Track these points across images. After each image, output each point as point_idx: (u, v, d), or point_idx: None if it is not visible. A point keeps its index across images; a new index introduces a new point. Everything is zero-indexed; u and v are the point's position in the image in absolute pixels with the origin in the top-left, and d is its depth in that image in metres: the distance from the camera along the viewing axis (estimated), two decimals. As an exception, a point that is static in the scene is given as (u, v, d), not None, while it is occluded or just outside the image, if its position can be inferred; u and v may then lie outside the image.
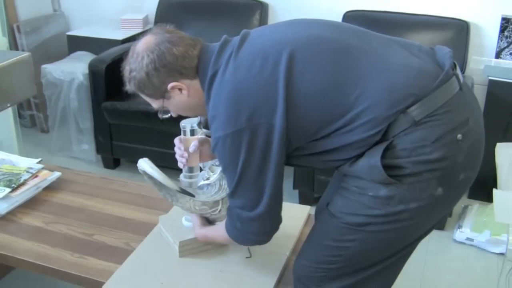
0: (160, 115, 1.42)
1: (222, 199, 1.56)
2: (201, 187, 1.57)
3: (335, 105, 1.22)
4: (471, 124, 1.26)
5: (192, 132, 1.60)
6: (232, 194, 1.34)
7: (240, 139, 1.23)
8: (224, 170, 1.32)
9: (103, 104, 2.95)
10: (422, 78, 1.24)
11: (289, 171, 2.84)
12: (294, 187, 2.83)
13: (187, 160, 1.55)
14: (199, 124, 1.57)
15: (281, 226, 1.77)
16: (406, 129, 1.21)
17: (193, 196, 1.46)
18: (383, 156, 1.21)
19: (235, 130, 1.23)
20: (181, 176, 1.69)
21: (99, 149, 3.13)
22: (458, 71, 1.29)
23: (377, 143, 1.23)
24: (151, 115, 2.87)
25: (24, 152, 3.25)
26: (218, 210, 1.57)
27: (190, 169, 1.65)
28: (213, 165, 1.64)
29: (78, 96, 3.07)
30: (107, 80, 2.96)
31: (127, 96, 3.02)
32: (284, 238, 1.74)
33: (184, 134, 1.61)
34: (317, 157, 1.32)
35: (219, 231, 1.50)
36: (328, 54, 1.25)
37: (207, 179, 1.57)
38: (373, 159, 1.21)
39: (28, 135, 3.58)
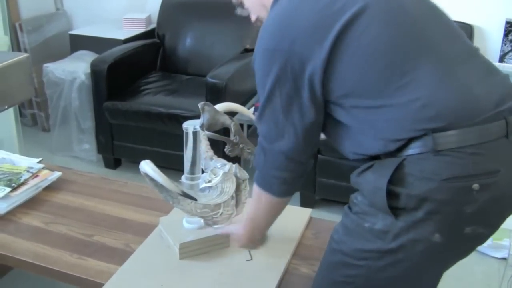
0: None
1: (224, 202, 1.55)
2: (202, 190, 1.56)
3: (374, 82, 1.14)
4: (500, 178, 1.09)
5: (195, 134, 1.59)
6: (259, 117, 1.27)
7: (276, 58, 1.18)
8: (257, 86, 1.27)
9: (105, 104, 2.95)
10: (471, 107, 1.10)
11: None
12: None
13: None
14: (201, 126, 1.56)
15: (282, 229, 1.78)
16: (422, 153, 1.09)
17: (195, 199, 1.45)
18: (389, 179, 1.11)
19: (275, 48, 1.19)
20: (183, 178, 1.67)
21: (100, 149, 3.13)
22: None
23: (387, 154, 1.15)
24: (153, 115, 2.87)
25: (24, 151, 3.24)
26: (220, 213, 1.56)
27: (192, 171, 1.64)
28: (215, 167, 1.62)
29: (79, 96, 3.06)
30: (109, 80, 2.95)
31: (128, 96, 3.03)
32: (285, 242, 1.73)
33: (187, 136, 1.60)
34: (338, 133, 1.26)
35: (251, 206, 1.44)
36: (398, 28, 1.15)
37: (209, 181, 1.56)
38: (381, 180, 1.12)
39: (29, 134, 3.57)
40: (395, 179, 1.11)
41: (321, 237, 1.81)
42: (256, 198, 1.39)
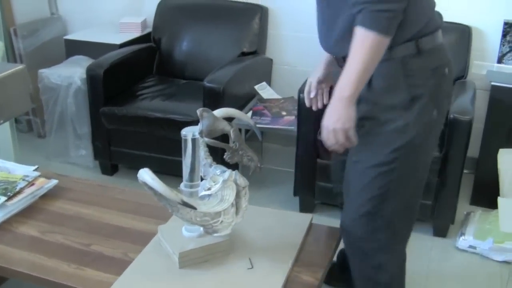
0: None
1: (224, 210, 1.52)
2: (202, 198, 1.54)
3: None
4: (451, 66, 1.56)
5: (194, 141, 1.57)
6: None
7: None
8: None
9: (101, 109, 2.91)
10: (438, 16, 1.57)
11: (289, 177, 2.82)
12: (295, 194, 2.79)
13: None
14: (200, 133, 1.53)
15: (283, 235, 1.76)
16: (412, 54, 1.48)
17: (195, 208, 1.42)
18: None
19: None
20: (182, 186, 1.65)
21: (97, 154, 3.09)
22: None
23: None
24: (150, 120, 2.84)
25: (20, 158, 3.20)
26: (220, 221, 1.53)
27: (191, 178, 1.62)
28: (214, 174, 1.60)
29: (75, 101, 3.03)
30: (105, 85, 2.92)
31: (125, 101, 3.00)
32: (286, 248, 1.70)
33: (185, 143, 1.58)
34: None
35: (348, 64, 1.43)
36: None
37: (209, 189, 1.53)
38: (397, 77, 1.49)
39: (24, 140, 3.52)
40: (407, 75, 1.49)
41: (322, 243, 1.79)
42: (360, 45, 1.40)
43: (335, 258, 1.96)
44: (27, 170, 2.09)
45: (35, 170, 2.11)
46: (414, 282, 2.24)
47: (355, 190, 1.64)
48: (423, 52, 1.49)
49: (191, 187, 1.61)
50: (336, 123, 1.46)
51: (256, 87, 3.13)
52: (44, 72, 3.09)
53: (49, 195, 2.03)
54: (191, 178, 1.61)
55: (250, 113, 2.92)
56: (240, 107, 2.94)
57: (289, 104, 2.97)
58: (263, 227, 1.81)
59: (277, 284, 1.55)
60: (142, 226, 1.85)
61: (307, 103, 1.84)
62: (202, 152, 1.65)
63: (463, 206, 2.73)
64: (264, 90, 3.14)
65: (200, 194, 1.57)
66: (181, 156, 1.60)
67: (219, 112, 1.74)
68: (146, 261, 1.65)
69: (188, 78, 3.31)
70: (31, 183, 2.00)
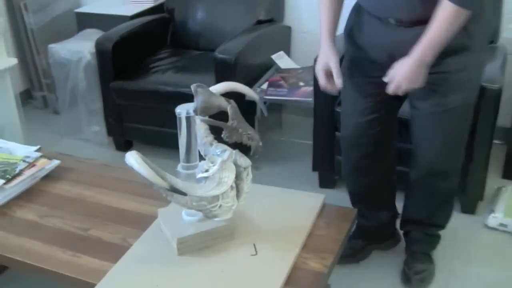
0: None
1: (222, 193, 1.41)
2: (198, 181, 1.42)
3: None
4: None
5: (188, 119, 1.45)
6: None
7: None
8: None
9: (111, 84, 2.82)
10: None
11: (310, 150, 2.69)
12: (314, 169, 2.66)
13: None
14: (195, 110, 1.41)
15: (291, 218, 1.64)
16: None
17: (184, 194, 1.31)
18: None
19: None
20: (179, 167, 1.54)
21: (110, 131, 3.01)
22: None
23: None
24: (160, 94, 2.73)
25: (35, 135, 3.16)
26: (218, 205, 1.42)
27: (187, 159, 1.50)
28: (214, 154, 1.48)
29: (86, 76, 2.94)
30: (115, 59, 2.81)
31: (136, 75, 2.89)
32: (294, 233, 1.58)
33: (180, 122, 1.46)
34: None
35: (435, 28, 1.52)
36: None
37: (206, 171, 1.42)
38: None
39: (40, 117, 3.48)
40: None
41: (334, 226, 1.66)
42: (450, 19, 1.49)
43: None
44: (29, 151, 2.01)
45: (37, 150, 2.03)
46: (439, 262, 2.11)
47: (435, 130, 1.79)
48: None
49: (187, 168, 1.51)
50: (412, 83, 1.60)
51: (273, 56, 2.97)
52: (54, 47, 3.00)
53: (50, 176, 1.95)
54: (188, 159, 1.49)
55: (266, 84, 2.77)
56: (255, 79, 2.80)
57: (307, 74, 2.81)
58: (270, 208, 1.69)
59: (281, 272, 1.43)
60: (144, 209, 1.75)
61: (329, 88, 1.82)
62: (202, 129, 1.53)
63: (493, 180, 2.55)
64: (282, 60, 2.99)
65: (197, 176, 1.45)
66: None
67: (221, 86, 1.61)
68: (144, 247, 1.55)
69: (203, 49, 3.17)
70: (32, 164, 1.93)
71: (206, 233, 1.52)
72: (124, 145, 3.03)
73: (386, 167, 2.03)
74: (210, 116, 1.43)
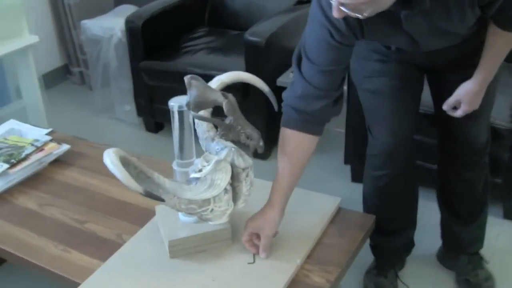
0: None
1: (214, 197, 1.28)
2: (190, 181, 1.30)
3: None
4: None
5: (181, 114, 1.32)
6: None
7: None
8: None
9: (141, 64, 2.72)
10: None
11: (338, 147, 2.51)
12: (345, 162, 2.48)
13: None
14: (188, 105, 1.28)
15: (299, 222, 1.49)
16: None
17: (162, 200, 1.19)
18: None
19: None
20: (174, 164, 1.42)
21: (140, 111, 2.93)
22: None
23: None
24: (189, 77, 2.61)
25: (67, 113, 3.13)
26: (210, 209, 1.29)
27: (181, 156, 1.38)
28: (211, 152, 1.35)
29: (117, 54, 2.86)
30: (146, 37, 2.71)
31: (167, 55, 2.78)
32: (299, 240, 1.44)
33: (173, 116, 1.34)
34: None
35: (497, 53, 1.49)
36: None
37: (200, 170, 1.29)
38: None
39: (77, 93, 3.46)
40: None
41: (347, 235, 1.50)
42: (509, 45, 1.45)
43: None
44: (40, 134, 1.95)
45: (49, 134, 1.97)
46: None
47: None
48: None
49: (182, 165, 1.38)
50: (476, 106, 1.56)
51: (311, 39, 2.78)
52: (86, 23, 2.94)
53: (60, 161, 1.88)
54: (181, 156, 1.37)
55: (286, 77, 2.59)
56: (289, 63, 2.62)
57: (347, 60, 2.61)
58: (278, 211, 1.55)
59: (277, 285, 1.30)
60: (147, 202, 1.61)
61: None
62: (204, 124, 1.40)
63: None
64: (321, 43, 2.79)
65: (190, 175, 1.33)
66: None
67: (227, 77, 1.48)
68: (136, 246, 1.45)
69: (241, 29, 3.01)
70: (40, 149, 1.86)
71: (201, 236, 1.40)
72: (154, 126, 2.95)
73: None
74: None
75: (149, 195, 1.17)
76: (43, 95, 2.44)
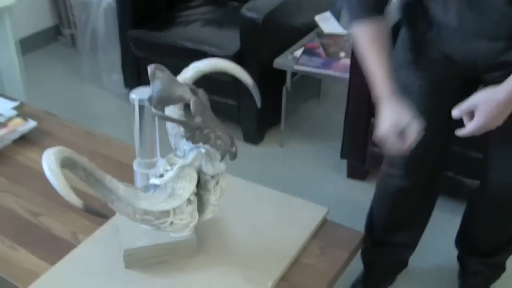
0: None
1: (174, 209, 1.10)
2: (147, 188, 1.12)
3: None
4: None
5: (141, 109, 1.14)
6: None
7: None
8: None
9: (129, 33, 2.52)
10: None
11: (337, 138, 2.33)
12: (342, 157, 2.30)
13: None
14: (149, 99, 1.09)
15: (278, 236, 1.32)
16: None
17: (105, 217, 1.02)
18: None
19: None
20: (134, 164, 1.25)
21: (127, 83, 2.75)
22: None
23: None
24: (178, 50, 2.41)
25: (53, 79, 2.95)
26: (169, 222, 1.12)
27: (142, 155, 1.20)
28: (178, 154, 1.17)
29: (105, 20, 2.66)
30: (135, 4, 2.50)
31: (158, 24, 2.57)
32: (273, 259, 1.27)
33: (133, 110, 1.16)
34: None
35: None
36: None
37: (161, 176, 1.12)
38: None
39: (66, 56, 3.27)
40: None
41: (329, 255, 1.32)
42: None
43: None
44: (6, 107, 1.77)
45: (15, 108, 1.79)
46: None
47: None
48: None
49: (142, 166, 1.21)
50: (499, 122, 1.29)
51: (316, 17, 2.57)
52: (75, -16, 2.72)
53: (25, 140, 1.71)
54: (142, 155, 1.19)
55: (300, 51, 2.39)
56: (290, 44, 2.42)
57: (352, 43, 2.41)
58: (256, 220, 1.38)
59: (241, 313, 1.14)
60: None
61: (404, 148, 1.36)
62: (175, 117, 1.22)
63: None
64: (326, 23, 2.58)
65: (149, 181, 1.15)
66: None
67: (205, 65, 1.30)
68: (90, 251, 1.29)
69: (243, 1, 2.80)
70: (3, 125, 1.69)
71: (161, 246, 1.24)
72: (142, 100, 2.77)
73: None
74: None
75: (89, 211, 1.00)
76: (20, 62, 2.25)
